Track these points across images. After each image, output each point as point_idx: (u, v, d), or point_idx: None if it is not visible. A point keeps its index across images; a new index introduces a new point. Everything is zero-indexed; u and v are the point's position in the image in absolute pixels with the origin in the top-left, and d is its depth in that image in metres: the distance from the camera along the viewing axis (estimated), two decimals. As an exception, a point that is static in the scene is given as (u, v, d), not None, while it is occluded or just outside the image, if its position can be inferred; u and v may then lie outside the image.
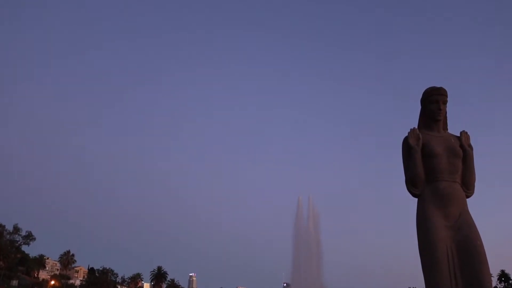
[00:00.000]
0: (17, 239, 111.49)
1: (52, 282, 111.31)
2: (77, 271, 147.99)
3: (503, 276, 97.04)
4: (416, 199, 7.07)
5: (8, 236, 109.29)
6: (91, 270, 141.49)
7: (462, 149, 7.05)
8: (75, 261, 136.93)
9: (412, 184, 7.01)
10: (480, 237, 6.47)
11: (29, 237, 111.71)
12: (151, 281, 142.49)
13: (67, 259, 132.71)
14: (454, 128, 7.48)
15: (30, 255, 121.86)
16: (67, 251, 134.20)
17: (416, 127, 7.36)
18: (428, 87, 7.32)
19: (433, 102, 7.13)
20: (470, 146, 7.21)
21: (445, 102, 7.18)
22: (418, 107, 7.54)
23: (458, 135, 7.32)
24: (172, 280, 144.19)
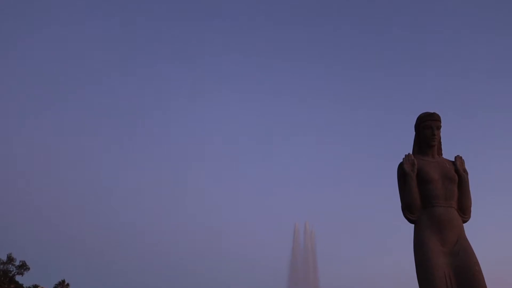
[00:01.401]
0: (11, 269, 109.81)
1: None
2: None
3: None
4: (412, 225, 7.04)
5: (1, 266, 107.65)
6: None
7: (457, 174, 7.08)
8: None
9: (408, 210, 6.99)
10: (478, 262, 6.43)
11: (23, 267, 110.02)
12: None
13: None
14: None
15: (24, 286, 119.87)
16: (61, 280, 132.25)
17: (411, 152, 7.42)
18: (422, 112, 7.40)
19: (427, 128, 7.18)
20: (465, 170, 7.24)
21: (439, 128, 7.23)
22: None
23: (453, 159, 7.37)
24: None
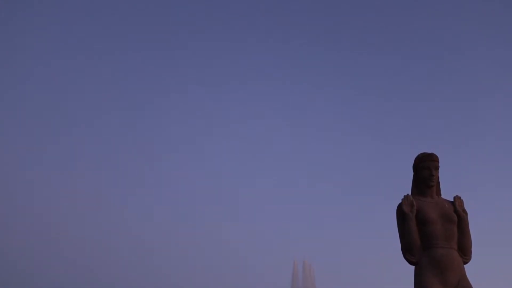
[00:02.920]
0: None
1: None
2: None
3: None
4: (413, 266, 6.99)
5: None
6: None
7: (457, 214, 7.06)
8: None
9: (408, 252, 6.93)
10: None
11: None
12: None
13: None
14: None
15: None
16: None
17: (410, 193, 7.43)
18: (419, 153, 7.47)
19: (425, 169, 7.21)
20: (464, 211, 7.22)
21: (437, 168, 7.26)
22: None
23: (452, 200, 7.36)
24: None
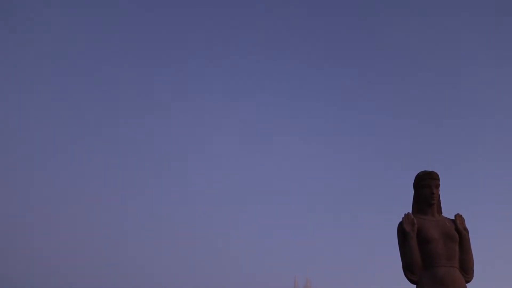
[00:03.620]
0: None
1: None
2: None
3: None
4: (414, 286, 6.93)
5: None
6: None
7: (458, 233, 7.00)
8: None
9: (409, 270, 6.86)
10: None
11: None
12: None
13: None
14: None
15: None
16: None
17: (410, 211, 7.37)
18: (420, 171, 7.41)
19: (425, 187, 7.17)
20: (465, 229, 7.16)
21: (437, 186, 7.21)
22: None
23: (453, 218, 7.31)
24: None
